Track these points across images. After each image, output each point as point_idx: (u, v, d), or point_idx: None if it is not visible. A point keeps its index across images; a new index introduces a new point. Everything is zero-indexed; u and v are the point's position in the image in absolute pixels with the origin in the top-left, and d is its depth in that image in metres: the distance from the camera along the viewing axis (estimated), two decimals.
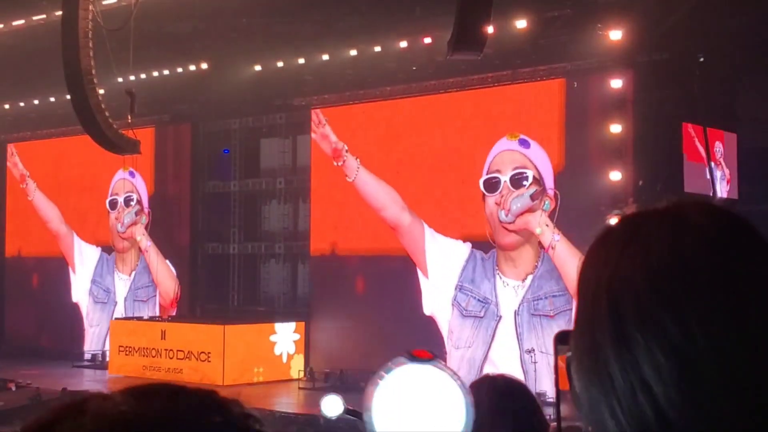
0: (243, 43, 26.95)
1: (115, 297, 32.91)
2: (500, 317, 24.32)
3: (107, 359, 30.20)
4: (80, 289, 34.16)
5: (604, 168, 22.52)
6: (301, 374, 26.97)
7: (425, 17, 23.76)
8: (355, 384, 25.38)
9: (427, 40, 25.12)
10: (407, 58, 26.19)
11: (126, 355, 28.72)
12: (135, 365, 28.14)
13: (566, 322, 22.71)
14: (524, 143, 24.22)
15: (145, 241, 32.33)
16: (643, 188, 21.65)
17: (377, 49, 26.48)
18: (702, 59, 22.70)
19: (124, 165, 31.17)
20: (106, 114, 21.13)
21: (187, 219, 32.08)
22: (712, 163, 22.62)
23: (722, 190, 23.13)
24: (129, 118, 21.87)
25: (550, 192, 23.76)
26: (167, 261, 31.79)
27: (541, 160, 23.98)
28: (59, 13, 21.40)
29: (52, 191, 35.36)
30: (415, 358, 1.32)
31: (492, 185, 24.62)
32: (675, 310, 1.22)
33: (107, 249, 33.54)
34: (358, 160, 27.01)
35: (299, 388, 26.01)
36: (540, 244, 23.79)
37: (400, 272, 26.25)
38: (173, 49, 27.62)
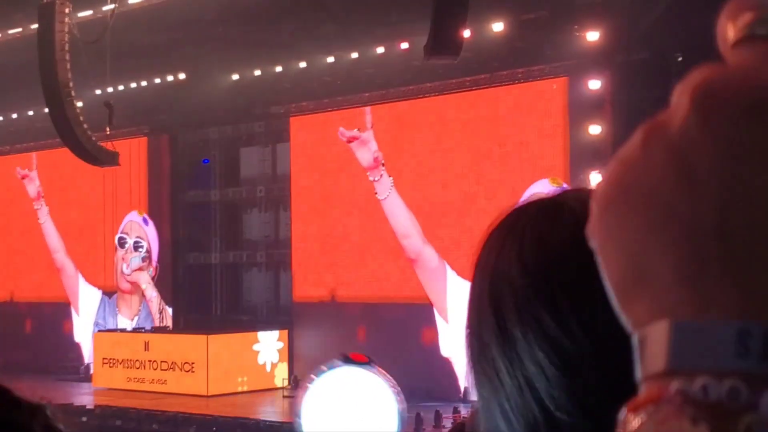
0: (220, 52, 26.91)
1: None
2: None
3: (91, 371, 30.06)
4: (83, 330, 33.48)
5: (584, 170, 22.55)
6: (285, 383, 26.90)
7: (401, 22, 23.76)
8: None
9: (404, 46, 25.14)
10: (385, 64, 26.19)
11: (110, 367, 28.60)
12: (119, 377, 28.04)
13: None
14: None
15: (150, 291, 31.91)
16: None
17: (354, 55, 26.49)
18: (680, 58, 22.77)
19: (139, 209, 31.36)
20: (85, 126, 21.07)
21: (168, 229, 31.99)
22: None
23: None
24: (107, 130, 21.82)
25: None
26: (169, 308, 31.59)
27: None
28: (35, 26, 21.33)
29: (58, 221, 34.82)
30: (351, 360, 1.28)
31: None
32: (550, 304, 1.18)
33: (108, 293, 33.11)
34: (392, 179, 26.34)
35: (283, 396, 25.93)
36: None
37: (395, 281, 26.25)
38: (150, 59, 27.53)
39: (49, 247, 34.62)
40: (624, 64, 22.53)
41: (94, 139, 21.49)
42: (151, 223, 31.94)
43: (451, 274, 25.27)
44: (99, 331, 31.21)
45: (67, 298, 34.10)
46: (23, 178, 35.21)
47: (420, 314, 25.62)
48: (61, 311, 34.16)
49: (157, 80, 29.86)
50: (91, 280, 33.39)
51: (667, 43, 22.20)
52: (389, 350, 25.71)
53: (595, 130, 22.61)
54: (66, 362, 32.53)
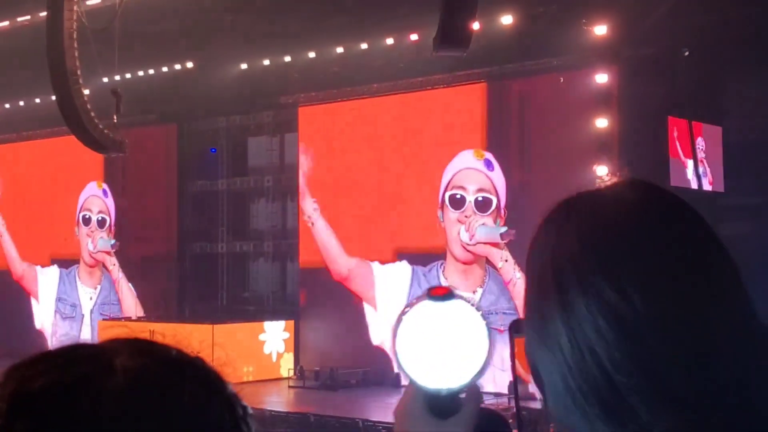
0: (229, 42, 26.91)
1: (81, 310, 33.19)
2: None
3: None
4: (44, 314, 34.36)
5: (590, 163, 22.55)
6: (291, 373, 26.97)
7: (411, 14, 23.76)
8: (345, 382, 25.45)
9: (414, 37, 25.14)
10: (394, 56, 26.20)
11: None
12: None
13: None
14: (489, 165, 24.52)
15: (116, 272, 32.43)
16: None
17: (364, 46, 26.50)
18: (687, 53, 22.76)
19: (98, 181, 31.77)
20: (92, 114, 21.09)
21: (175, 218, 32.03)
22: (696, 157, 22.70)
23: (705, 186, 23.21)
24: (115, 118, 21.84)
25: (502, 212, 24.41)
26: (130, 285, 32.03)
27: (501, 183, 24.37)
28: (44, 14, 21.35)
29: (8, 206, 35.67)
30: (433, 297, 1.35)
31: (457, 202, 24.92)
32: (609, 274, 1.30)
33: (64, 264, 33.75)
34: (317, 205, 27.42)
35: (289, 386, 26.01)
36: (493, 265, 24.37)
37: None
38: (158, 48, 27.55)
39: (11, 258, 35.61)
40: (631, 58, 22.53)
41: (101, 127, 21.51)
42: (110, 193, 32.49)
43: (376, 266, 26.14)
44: (104, 319, 31.28)
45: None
46: None
47: None
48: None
49: (165, 69, 29.88)
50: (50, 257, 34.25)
51: (674, 38, 22.20)
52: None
53: (602, 123, 22.60)
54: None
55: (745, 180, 22.56)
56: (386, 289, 25.89)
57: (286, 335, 27.79)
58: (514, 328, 1.46)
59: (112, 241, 32.51)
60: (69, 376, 1.05)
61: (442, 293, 1.34)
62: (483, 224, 24.52)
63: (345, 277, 26.75)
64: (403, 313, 1.31)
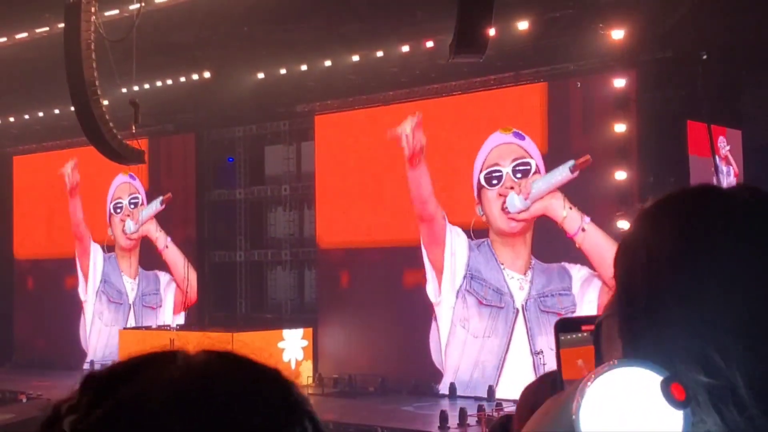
0: (245, 51, 26.97)
1: (128, 299, 33.43)
2: (517, 310, 24.42)
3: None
4: (89, 289, 34.72)
5: (609, 167, 22.51)
6: (310, 380, 26.98)
7: (427, 21, 23.76)
8: (363, 389, 25.44)
9: (429, 44, 25.12)
10: (409, 63, 26.19)
11: None
12: None
13: None
14: (519, 135, 24.50)
15: (162, 239, 32.59)
16: (653, 185, 21.56)
17: (379, 54, 26.49)
18: (705, 57, 22.67)
19: (124, 170, 31.90)
20: (111, 125, 21.13)
21: (194, 227, 32.11)
22: (717, 157, 22.60)
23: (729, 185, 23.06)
24: (133, 128, 21.89)
25: None
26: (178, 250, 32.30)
27: (536, 152, 24.25)
28: (62, 25, 21.42)
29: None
30: (673, 399, 1.15)
31: (494, 178, 24.80)
32: (716, 277, 1.23)
33: (105, 248, 34.22)
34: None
35: (309, 394, 25.89)
36: (563, 228, 23.57)
37: (411, 263, 26.29)
38: (176, 58, 27.64)
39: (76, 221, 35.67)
40: (649, 62, 22.46)
41: (120, 137, 21.56)
42: (137, 178, 32.64)
43: (448, 226, 25.98)
44: (124, 329, 31.39)
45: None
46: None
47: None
48: (65, 268, 35.50)
49: (183, 79, 29.95)
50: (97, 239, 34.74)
51: (692, 41, 22.11)
52: (410, 337, 25.79)
53: (620, 128, 22.54)
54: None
55: (764, 183, 22.39)
56: (452, 248, 25.83)
57: (305, 343, 27.81)
58: (561, 328, 1.41)
59: (156, 206, 32.77)
60: (135, 360, 1.13)
61: (681, 398, 1.15)
62: (537, 180, 24.14)
63: (427, 220, 26.44)
64: (590, 381, 1.16)
